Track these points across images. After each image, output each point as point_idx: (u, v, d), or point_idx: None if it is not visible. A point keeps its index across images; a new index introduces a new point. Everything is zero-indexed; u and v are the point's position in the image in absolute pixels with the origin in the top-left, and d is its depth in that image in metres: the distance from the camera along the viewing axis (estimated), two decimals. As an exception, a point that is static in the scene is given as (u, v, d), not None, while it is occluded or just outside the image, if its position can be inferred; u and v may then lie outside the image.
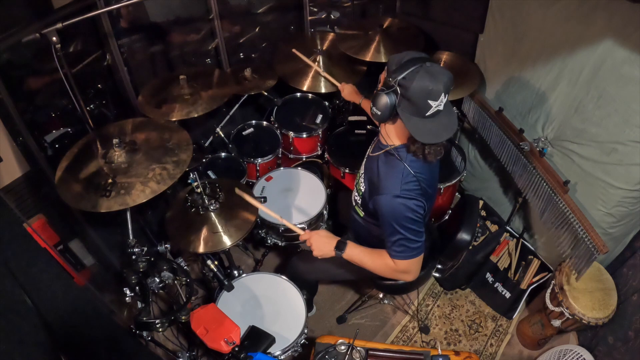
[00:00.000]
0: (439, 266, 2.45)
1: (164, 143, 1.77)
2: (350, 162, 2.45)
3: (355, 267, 1.93)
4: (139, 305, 1.70)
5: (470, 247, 2.38)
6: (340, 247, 1.64)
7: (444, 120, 1.37)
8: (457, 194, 2.96)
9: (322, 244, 1.66)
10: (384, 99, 1.36)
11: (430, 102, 1.31)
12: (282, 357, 1.82)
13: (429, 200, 1.55)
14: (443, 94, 1.31)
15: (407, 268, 1.58)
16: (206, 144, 2.54)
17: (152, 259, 1.80)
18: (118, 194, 1.59)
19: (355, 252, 1.65)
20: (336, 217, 2.39)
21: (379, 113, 1.40)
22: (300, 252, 2.30)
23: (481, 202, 2.69)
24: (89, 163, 1.70)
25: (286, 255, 2.72)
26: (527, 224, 2.54)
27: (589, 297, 1.97)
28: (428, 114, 1.33)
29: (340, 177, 2.51)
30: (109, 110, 2.32)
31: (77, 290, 1.49)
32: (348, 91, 2.26)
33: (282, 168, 2.54)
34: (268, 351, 1.71)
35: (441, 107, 1.34)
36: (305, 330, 1.89)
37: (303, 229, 2.23)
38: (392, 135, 1.52)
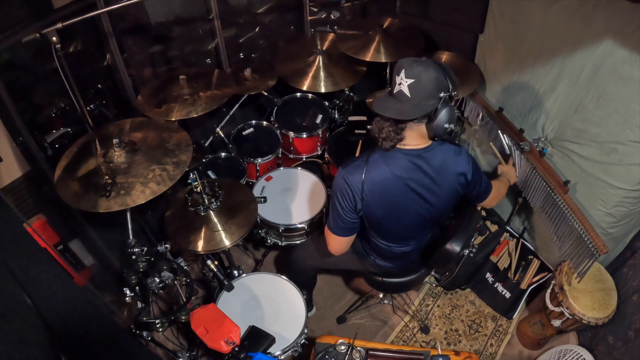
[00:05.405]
0: (436, 275, 2.44)
1: (164, 143, 1.77)
2: (350, 162, 2.45)
3: (346, 255, 1.88)
4: (139, 305, 1.70)
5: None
6: None
7: (405, 106, 1.40)
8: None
9: None
10: None
11: (395, 76, 1.41)
12: (282, 357, 1.82)
13: (365, 204, 1.53)
14: (403, 70, 1.37)
15: (326, 235, 1.70)
16: (206, 144, 2.54)
17: (152, 259, 1.80)
18: (118, 194, 1.58)
19: None
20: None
21: None
22: (300, 244, 2.32)
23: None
24: (88, 163, 1.70)
25: (286, 255, 2.71)
26: (527, 224, 2.53)
27: (589, 297, 1.97)
28: (394, 91, 1.42)
29: (340, 177, 2.51)
30: (108, 110, 2.32)
31: (77, 290, 1.48)
32: None
33: (282, 168, 2.54)
34: (268, 351, 1.71)
35: (403, 88, 1.38)
36: (305, 330, 1.89)
37: (304, 228, 2.26)
38: None
